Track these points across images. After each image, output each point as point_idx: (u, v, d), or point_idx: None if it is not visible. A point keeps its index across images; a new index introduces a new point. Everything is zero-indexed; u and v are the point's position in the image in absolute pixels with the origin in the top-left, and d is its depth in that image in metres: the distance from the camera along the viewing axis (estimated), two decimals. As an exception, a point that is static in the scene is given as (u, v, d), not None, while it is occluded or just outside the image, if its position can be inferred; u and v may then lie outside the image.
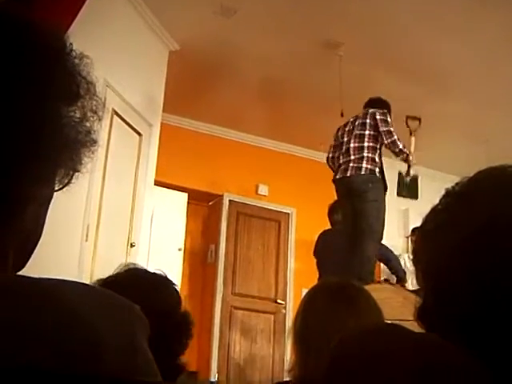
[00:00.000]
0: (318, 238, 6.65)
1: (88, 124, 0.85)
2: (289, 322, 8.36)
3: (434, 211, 1.03)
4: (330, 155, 6.18)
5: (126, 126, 5.77)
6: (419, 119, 6.23)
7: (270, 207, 8.85)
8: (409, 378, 0.83)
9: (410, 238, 8.12)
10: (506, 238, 0.91)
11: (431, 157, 8.53)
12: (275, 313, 8.49)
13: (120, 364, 0.77)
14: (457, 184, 1.02)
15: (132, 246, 5.71)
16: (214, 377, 7.65)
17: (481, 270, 0.92)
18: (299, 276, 8.53)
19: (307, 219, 8.57)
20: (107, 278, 1.96)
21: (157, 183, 6.64)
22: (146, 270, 2.04)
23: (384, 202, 5.85)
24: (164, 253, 7.54)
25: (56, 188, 0.89)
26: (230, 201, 8.64)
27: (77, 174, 0.88)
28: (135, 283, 1.94)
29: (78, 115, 0.84)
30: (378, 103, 6.09)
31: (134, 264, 2.07)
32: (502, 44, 6.25)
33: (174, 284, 2.07)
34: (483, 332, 0.91)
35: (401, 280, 6.70)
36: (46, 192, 0.88)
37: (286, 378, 2.26)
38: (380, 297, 2.25)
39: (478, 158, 7.76)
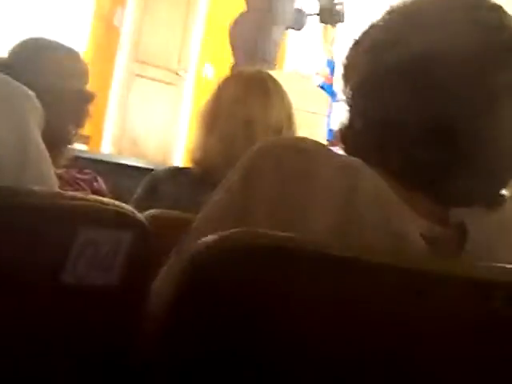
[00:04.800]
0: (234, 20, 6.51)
1: None
2: (188, 96, 8.34)
3: (374, 27, 0.97)
4: None
5: None
6: None
7: (183, -25, 8.44)
8: (330, 202, 0.81)
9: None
10: (445, 68, 0.87)
11: None
12: (176, 84, 8.41)
13: (11, 170, 0.72)
14: (402, 2, 0.96)
15: None
16: (107, 146, 7.63)
17: (418, 97, 0.88)
18: (205, 50, 8.40)
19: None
20: (11, 50, 1.83)
21: None
22: (53, 43, 1.92)
23: None
24: (70, 15, 7.17)
25: None
26: (142, -37, 8.19)
27: None
28: (39, 59, 1.82)
29: None
30: None
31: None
32: None
33: (80, 59, 1.97)
34: (414, 160, 0.89)
35: None
36: None
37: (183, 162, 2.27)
38: (288, 85, 2.25)
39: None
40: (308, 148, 0.89)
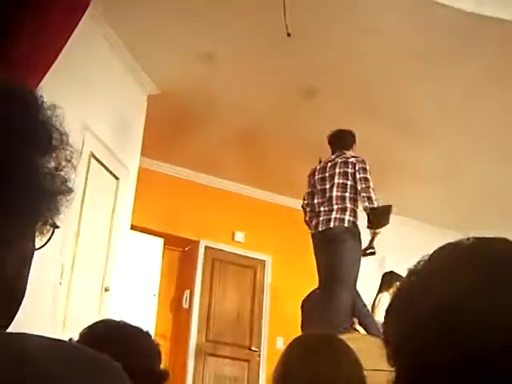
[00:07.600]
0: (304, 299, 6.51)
1: (63, 173, 0.84)
2: (263, 370, 8.26)
3: (400, 291, 1.02)
4: (306, 201, 6.10)
5: (104, 170, 5.73)
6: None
7: (245, 254, 8.79)
8: None
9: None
10: (470, 317, 0.89)
11: (400, 203, 8.59)
12: (249, 360, 8.39)
13: None
14: (418, 263, 1.02)
15: (106, 290, 5.63)
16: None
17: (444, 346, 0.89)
18: (274, 324, 8.45)
19: (283, 267, 8.54)
20: (82, 333, 1.91)
21: (133, 228, 6.58)
22: (123, 324, 2.00)
23: (360, 253, 5.79)
24: (138, 297, 7.44)
25: (37, 244, 0.86)
26: (205, 247, 8.59)
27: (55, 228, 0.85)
28: (112, 340, 1.89)
29: (52, 165, 0.82)
30: (345, 138, 6.08)
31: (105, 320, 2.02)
32: (473, 96, 6.49)
33: (152, 339, 2.03)
34: None
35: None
36: (26, 248, 0.84)
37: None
38: (357, 347, 2.24)
39: (443, 202, 7.98)
40: None
